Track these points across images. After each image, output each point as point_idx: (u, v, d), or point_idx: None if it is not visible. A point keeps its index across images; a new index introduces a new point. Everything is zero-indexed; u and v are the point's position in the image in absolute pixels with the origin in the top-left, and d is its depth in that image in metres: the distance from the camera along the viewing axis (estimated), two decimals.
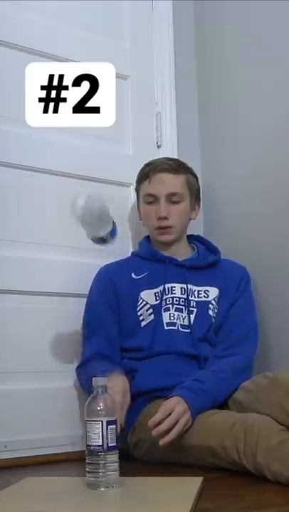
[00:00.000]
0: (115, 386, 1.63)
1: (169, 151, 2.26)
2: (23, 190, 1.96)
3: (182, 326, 1.88)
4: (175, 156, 2.20)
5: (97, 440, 1.32)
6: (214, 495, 1.34)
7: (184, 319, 1.89)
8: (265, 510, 1.23)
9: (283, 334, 1.97)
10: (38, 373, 1.88)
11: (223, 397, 1.76)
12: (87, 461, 1.34)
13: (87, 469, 1.34)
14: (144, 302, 1.91)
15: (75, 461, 1.69)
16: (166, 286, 1.91)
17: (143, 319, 1.90)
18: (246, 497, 1.34)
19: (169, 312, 1.89)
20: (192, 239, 2.07)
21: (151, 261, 1.98)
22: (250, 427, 1.50)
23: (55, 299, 1.96)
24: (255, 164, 2.11)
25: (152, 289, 1.92)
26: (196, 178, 2.04)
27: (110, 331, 1.90)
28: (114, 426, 1.34)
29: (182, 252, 2.01)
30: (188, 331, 1.88)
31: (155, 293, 1.91)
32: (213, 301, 1.92)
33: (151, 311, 1.89)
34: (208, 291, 1.93)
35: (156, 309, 1.89)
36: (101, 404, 1.34)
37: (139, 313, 1.90)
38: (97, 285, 1.96)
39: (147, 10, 2.33)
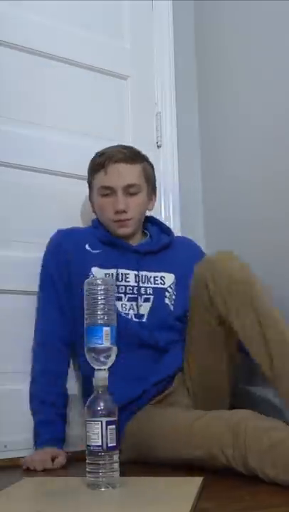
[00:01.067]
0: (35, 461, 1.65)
1: (169, 151, 2.27)
2: (23, 190, 1.96)
3: (136, 316, 1.82)
4: (175, 157, 2.20)
5: (96, 440, 1.32)
6: (214, 495, 1.34)
7: (138, 308, 1.83)
8: (265, 510, 1.23)
9: None
10: None
11: None
12: (87, 461, 1.34)
13: (87, 469, 1.34)
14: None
15: (75, 461, 1.68)
16: (120, 272, 1.84)
17: None
18: (246, 497, 1.33)
19: (121, 302, 1.81)
20: (145, 221, 1.99)
21: (106, 244, 1.90)
22: (236, 428, 1.46)
23: None
24: (255, 164, 2.11)
25: (104, 268, 1.84)
26: (152, 166, 1.95)
27: (63, 310, 1.84)
28: (114, 426, 1.34)
29: (136, 237, 1.94)
30: (143, 320, 1.82)
31: (106, 274, 1.83)
32: (169, 289, 1.87)
33: None
34: (164, 277, 1.88)
35: None
36: (101, 404, 1.34)
37: None
38: (50, 256, 1.88)
39: (147, 10, 2.33)
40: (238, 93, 2.20)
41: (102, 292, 1.38)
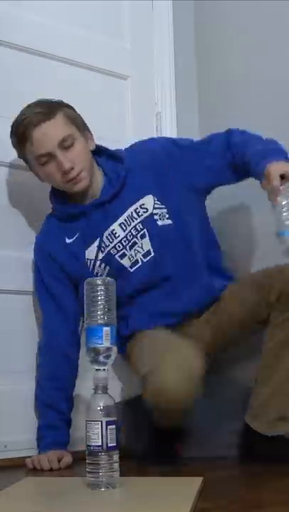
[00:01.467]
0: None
1: None
2: (24, 190, 1.96)
3: (144, 255, 1.80)
4: None
5: (96, 440, 1.32)
6: (214, 495, 1.34)
7: (142, 248, 1.80)
8: (265, 510, 1.23)
9: None
10: None
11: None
12: (87, 461, 1.34)
13: (87, 469, 1.33)
14: (93, 260, 1.81)
15: (76, 461, 1.69)
16: (106, 234, 1.80)
17: (102, 275, 1.80)
18: (246, 497, 1.34)
19: (127, 256, 1.80)
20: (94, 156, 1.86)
21: (74, 219, 1.83)
22: None
23: None
24: None
25: (91, 245, 1.81)
26: (71, 107, 1.80)
27: (67, 308, 1.83)
28: (114, 426, 1.33)
29: (96, 186, 1.82)
30: (151, 255, 1.80)
31: (97, 246, 1.80)
32: (155, 211, 1.80)
33: (104, 264, 1.81)
34: (143, 204, 1.80)
35: (109, 260, 1.80)
36: (101, 404, 1.34)
37: (95, 272, 1.81)
38: (38, 263, 1.86)
39: (147, 10, 2.33)
40: (238, 93, 2.20)
41: (102, 292, 1.38)
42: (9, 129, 1.92)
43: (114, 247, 1.81)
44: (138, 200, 1.81)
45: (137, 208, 1.81)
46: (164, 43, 2.33)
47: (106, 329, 1.36)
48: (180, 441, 1.84)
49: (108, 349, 1.36)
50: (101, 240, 1.80)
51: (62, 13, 2.09)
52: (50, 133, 1.73)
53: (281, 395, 1.70)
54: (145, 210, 1.81)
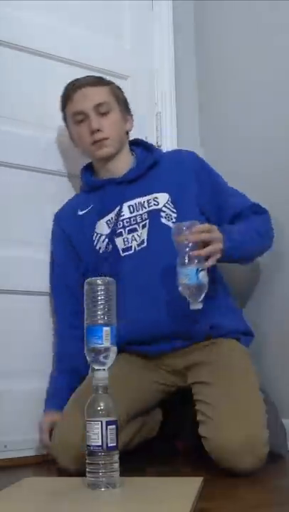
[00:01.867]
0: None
1: None
2: (23, 190, 1.96)
3: (138, 245, 1.80)
4: None
5: (96, 440, 1.32)
6: (214, 495, 1.34)
7: (140, 236, 1.80)
8: (265, 510, 1.23)
9: None
10: (39, 373, 1.88)
11: (249, 253, 1.80)
12: (87, 461, 1.34)
13: (87, 469, 1.34)
14: (99, 234, 1.84)
15: None
16: (115, 211, 1.83)
17: (100, 248, 1.83)
18: (246, 497, 1.34)
19: (122, 237, 1.81)
20: (131, 145, 1.96)
21: (93, 191, 1.90)
22: None
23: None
24: (256, 164, 2.11)
25: (102, 218, 1.85)
26: (121, 89, 1.93)
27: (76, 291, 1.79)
28: (114, 426, 1.34)
29: (121, 165, 1.89)
30: (144, 245, 1.79)
31: (107, 221, 1.84)
32: (164, 208, 1.81)
33: (107, 240, 1.82)
34: (157, 198, 1.83)
35: (111, 237, 1.82)
36: (101, 404, 1.34)
37: (97, 247, 1.83)
38: (53, 241, 1.94)
39: (147, 10, 2.33)
40: (239, 93, 2.20)
41: (102, 292, 1.38)
42: (9, 129, 1.93)
43: (116, 224, 1.83)
44: (154, 192, 1.84)
45: (150, 200, 1.83)
46: (164, 43, 2.33)
47: (106, 329, 1.37)
48: (181, 439, 1.84)
49: (108, 349, 1.37)
50: (110, 216, 1.84)
51: (62, 13, 2.09)
52: (89, 95, 1.86)
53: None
54: (156, 204, 1.83)
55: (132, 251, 1.80)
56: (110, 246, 1.82)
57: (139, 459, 1.75)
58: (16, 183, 1.96)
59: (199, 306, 1.54)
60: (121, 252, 1.81)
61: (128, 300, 1.69)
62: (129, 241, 1.81)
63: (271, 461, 1.57)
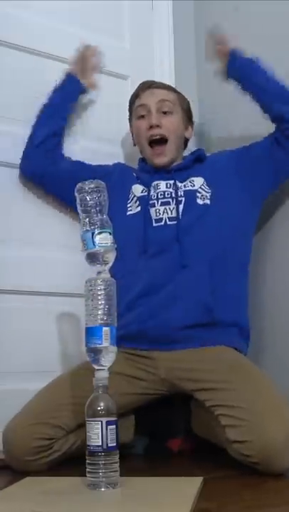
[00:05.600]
0: None
1: None
2: (22, 190, 1.96)
3: (170, 219, 1.83)
4: None
5: (96, 440, 1.32)
6: (214, 495, 1.34)
7: (171, 211, 1.84)
8: (265, 510, 1.23)
9: None
10: (39, 373, 1.88)
11: (259, 82, 1.90)
12: (87, 461, 1.34)
13: (87, 469, 1.34)
14: (133, 194, 1.91)
15: (75, 460, 1.68)
16: (153, 183, 1.90)
17: (130, 209, 1.90)
18: (246, 497, 1.34)
19: (154, 208, 1.86)
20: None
21: (146, 171, 1.97)
22: None
23: (54, 299, 1.96)
24: None
25: (140, 185, 1.92)
26: (187, 101, 2.02)
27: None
28: (114, 426, 1.34)
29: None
30: (177, 221, 1.83)
31: (142, 189, 1.91)
32: (200, 189, 1.86)
33: (138, 203, 1.89)
34: (193, 180, 1.88)
35: (142, 203, 1.88)
36: (101, 404, 1.34)
37: (129, 204, 1.91)
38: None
39: (147, 10, 2.33)
40: (238, 93, 2.19)
41: (102, 292, 1.38)
42: (9, 129, 1.93)
43: (150, 194, 1.88)
44: (190, 177, 1.90)
45: (187, 182, 1.89)
46: (164, 43, 2.33)
47: (106, 329, 1.37)
48: (174, 437, 1.84)
49: (108, 349, 1.37)
50: (150, 186, 1.90)
51: (62, 13, 2.09)
52: (156, 93, 1.95)
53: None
54: (192, 185, 1.88)
55: (163, 223, 1.84)
56: (139, 209, 1.87)
57: (138, 459, 1.75)
58: (15, 183, 1.96)
59: None
60: (154, 222, 1.84)
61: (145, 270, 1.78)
62: (161, 213, 1.85)
63: None
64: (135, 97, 1.98)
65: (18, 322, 1.89)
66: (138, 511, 1.22)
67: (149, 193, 1.88)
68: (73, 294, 1.94)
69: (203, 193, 1.86)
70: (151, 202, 1.87)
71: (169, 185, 1.88)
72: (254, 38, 2.14)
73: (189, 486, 1.34)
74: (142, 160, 2.01)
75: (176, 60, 2.34)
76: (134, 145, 2.02)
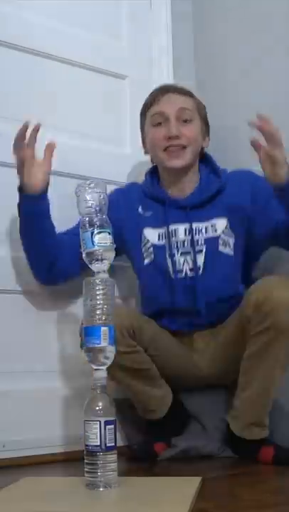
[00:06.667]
0: None
1: None
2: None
3: (191, 270, 1.80)
4: None
5: (95, 440, 1.32)
6: (213, 495, 1.34)
7: (192, 261, 1.80)
8: (264, 510, 1.22)
9: None
10: (38, 373, 1.88)
11: None
12: (85, 461, 1.34)
13: (85, 469, 1.33)
14: (147, 240, 1.86)
15: (74, 461, 1.68)
16: (170, 228, 1.82)
17: (145, 257, 1.86)
18: (245, 497, 1.34)
19: (175, 258, 1.81)
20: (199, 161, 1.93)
21: (154, 201, 1.88)
22: None
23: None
24: (255, 165, 2.10)
25: (155, 228, 1.85)
26: (204, 108, 1.92)
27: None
28: (112, 426, 1.33)
29: (188, 184, 1.87)
30: (199, 273, 1.80)
31: (159, 233, 1.85)
32: (222, 235, 1.81)
33: (151, 250, 1.84)
34: (215, 224, 1.82)
35: (158, 250, 1.83)
36: (99, 404, 1.34)
37: (142, 250, 1.86)
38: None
39: (145, 9, 2.33)
40: (238, 93, 2.20)
41: (100, 292, 1.38)
42: (9, 129, 1.93)
43: (170, 243, 1.82)
44: (214, 218, 1.83)
45: (208, 226, 1.83)
46: (163, 42, 2.33)
47: (104, 329, 1.36)
48: (159, 441, 1.83)
49: (106, 349, 1.36)
50: (165, 231, 1.83)
51: (62, 13, 2.09)
52: (174, 100, 1.84)
53: (258, 402, 1.72)
54: (214, 231, 1.82)
55: (183, 275, 1.81)
56: (153, 257, 1.84)
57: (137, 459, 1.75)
58: (15, 183, 1.95)
59: None
60: (171, 273, 1.81)
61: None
62: (181, 264, 1.81)
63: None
64: (152, 102, 1.86)
65: (18, 322, 1.89)
66: (136, 511, 1.22)
67: (167, 239, 1.82)
68: None
69: (226, 238, 1.81)
70: (169, 252, 1.82)
71: (187, 232, 1.82)
72: (254, 38, 2.14)
73: (188, 486, 1.34)
74: (151, 175, 1.93)
75: (174, 60, 2.34)
76: (146, 153, 1.93)
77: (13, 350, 1.86)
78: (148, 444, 1.82)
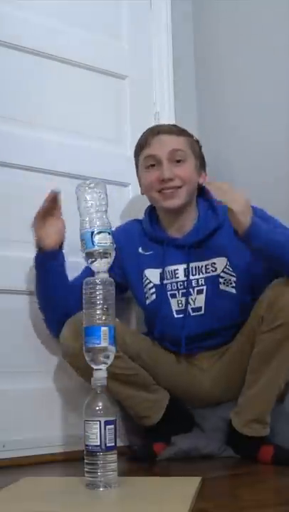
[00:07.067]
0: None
1: None
2: (23, 190, 1.96)
3: (193, 310, 1.82)
4: None
5: (95, 440, 1.32)
6: (213, 495, 1.34)
7: (195, 303, 1.81)
8: (263, 510, 1.22)
9: None
10: (38, 373, 1.89)
11: (276, 247, 1.64)
12: (85, 461, 1.33)
13: (85, 469, 1.33)
14: (148, 280, 1.86)
15: (74, 461, 1.68)
16: (167, 269, 1.83)
17: (147, 297, 1.86)
18: (244, 497, 1.34)
19: (176, 299, 1.83)
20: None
21: (153, 241, 1.88)
22: None
23: None
24: (256, 164, 2.11)
25: (155, 268, 1.85)
26: (199, 145, 1.90)
27: None
28: (112, 426, 1.33)
29: (186, 222, 1.86)
30: (201, 312, 1.81)
31: (160, 273, 1.84)
32: (222, 274, 1.81)
33: (153, 290, 1.85)
34: (214, 263, 1.81)
35: (159, 290, 1.84)
36: (99, 404, 1.34)
37: (144, 291, 1.87)
38: None
39: (145, 9, 2.33)
40: (238, 93, 2.20)
41: (100, 292, 1.38)
42: (9, 128, 1.93)
43: (170, 283, 1.84)
44: (213, 257, 1.82)
45: (208, 265, 1.82)
46: (163, 43, 2.33)
47: (104, 329, 1.36)
48: (158, 441, 1.83)
49: (106, 349, 1.36)
50: (164, 270, 1.83)
51: (62, 12, 2.09)
52: (166, 142, 1.82)
53: (261, 399, 1.73)
54: (214, 270, 1.82)
55: (187, 314, 1.81)
56: (154, 297, 1.85)
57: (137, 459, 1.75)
58: (15, 183, 1.96)
59: None
60: (174, 313, 1.83)
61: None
62: (183, 304, 1.82)
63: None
64: (143, 145, 1.85)
65: (18, 322, 1.89)
66: (136, 511, 1.22)
67: (169, 279, 1.83)
68: None
69: (227, 276, 1.81)
70: (171, 292, 1.83)
71: (187, 272, 1.81)
72: (253, 38, 2.14)
73: (188, 486, 1.34)
74: (150, 214, 1.91)
75: (174, 60, 2.34)
76: (142, 194, 1.91)
77: (13, 350, 1.86)
78: (147, 444, 1.82)
